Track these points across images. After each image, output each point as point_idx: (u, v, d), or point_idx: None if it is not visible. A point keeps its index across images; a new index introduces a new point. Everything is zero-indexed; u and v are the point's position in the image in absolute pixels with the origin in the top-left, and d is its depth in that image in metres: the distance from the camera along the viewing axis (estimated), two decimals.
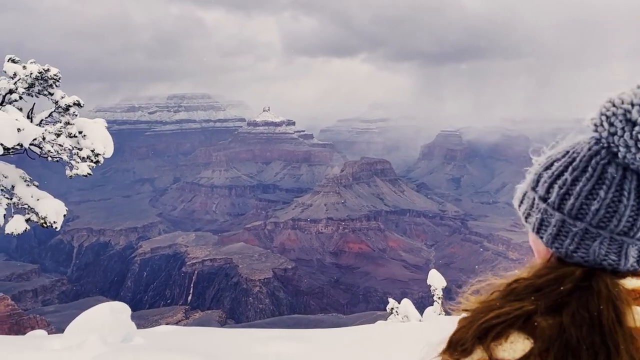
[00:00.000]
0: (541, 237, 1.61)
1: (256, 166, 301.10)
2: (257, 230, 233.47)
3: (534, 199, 1.63)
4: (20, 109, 7.11)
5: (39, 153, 7.15)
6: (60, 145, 7.10)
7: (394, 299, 18.91)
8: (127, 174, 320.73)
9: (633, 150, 1.46)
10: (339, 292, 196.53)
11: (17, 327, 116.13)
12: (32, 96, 7.15)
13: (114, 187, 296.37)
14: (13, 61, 7.08)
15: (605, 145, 1.53)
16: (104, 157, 7.48)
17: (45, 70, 6.99)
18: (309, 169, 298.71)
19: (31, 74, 6.92)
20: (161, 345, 8.78)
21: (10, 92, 6.93)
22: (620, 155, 1.49)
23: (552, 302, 1.51)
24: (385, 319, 18.52)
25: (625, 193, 1.48)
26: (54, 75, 7.08)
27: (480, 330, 1.52)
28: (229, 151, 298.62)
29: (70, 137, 7.18)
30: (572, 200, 1.54)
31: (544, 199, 1.60)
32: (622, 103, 1.48)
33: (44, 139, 6.99)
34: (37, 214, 7.02)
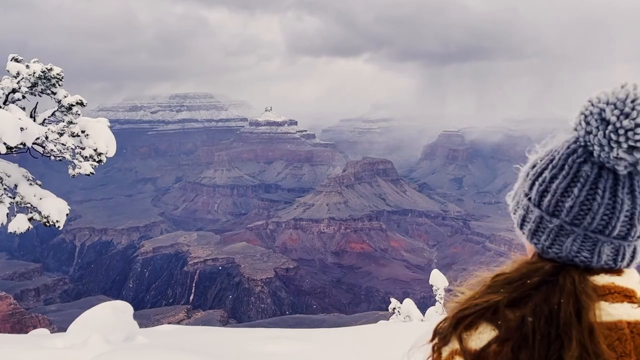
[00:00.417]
0: (523, 233, 1.65)
1: (258, 166, 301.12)
2: (259, 230, 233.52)
3: (520, 195, 1.68)
4: (24, 108, 7.12)
5: (41, 152, 7.16)
6: (63, 144, 7.11)
7: (396, 299, 18.91)
8: (130, 173, 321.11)
9: (606, 149, 1.46)
10: (341, 292, 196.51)
11: (19, 326, 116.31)
12: (35, 95, 7.16)
13: (116, 187, 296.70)
14: (16, 60, 7.09)
15: (582, 144, 1.54)
16: (106, 157, 7.48)
17: (48, 70, 7.00)
18: (311, 168, 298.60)
19: (34, 73, 6.93)
20: (163, 344, 8.79)
21: (14, 91, 6.94)
22: (595, 154, 1.50)
23: (519, 294, 1.53)
24: (388, 319, 18.52)
25: (600, 191, 1.49)
26: (57, 74, 7.09)
27: (455, 320, 1.57)
28: (231, 151, 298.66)
29: (73, 136, 7.19)
30: (549, 197, 1.57)
31: (527, 196, 1.63)
32: (599, 102, 1.49)
33: (46, 138, 7.00)
34: (39, 213, 7.03)
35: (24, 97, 7.14)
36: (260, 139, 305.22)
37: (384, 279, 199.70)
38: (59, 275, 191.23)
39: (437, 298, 16.75)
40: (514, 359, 1.45)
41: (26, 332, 11.84)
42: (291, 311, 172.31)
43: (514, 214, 1.69)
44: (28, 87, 7.02)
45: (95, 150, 7.30)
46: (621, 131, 1.44)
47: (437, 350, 1.58)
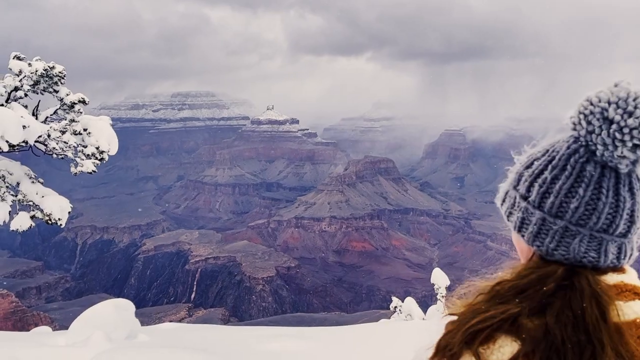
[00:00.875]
0: (523, 236, 1.62)
1: (260, 164, 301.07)
2: (261, 228, 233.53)
3: (515, 197, 1.64)
4: (26, 106, 7.13)
5: (43, 150, 7.16)
6: (65, 142, 7.12)
7: (397, 297, 18.90)
8: (131, 171, 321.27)
9: (610, 148, 1.45)
10: (342, 290, 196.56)
11: (20, 323, 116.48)
12: (37, 93, 7.17)
13: (118, 185, 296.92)
14: (19, 58, 7.10)
15: (584, 143, 1.53)
16: (108, 155, 7.49)
17: (50, 68, 7.01)
18: (312, 167, 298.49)
19: (36, 71, 6.94)
20: (165, 342, 8.80)
21: (16, 89, 6.95)
22: (598, 153, 1.49)
23: (537, 303, 1.50)
24: (389, 318, 18.52)
25: (604, 190, 1.48)
26: (59, 72, 7.09)
27: (468, 334, 1.51)
28: (232, 149, 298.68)
29: (75, 134, 7.20)
30: (551, 198, 1.54)
31: (525, 198, 1.60)
32: (600, 101, 1.47)
33: (49, 136, 7.01)
34: (42, 210, 7.05)
35: (26, 95, 7.15)
36: (262, 137, 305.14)
37: (385, 277, 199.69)
38: (60, 273, 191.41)
39: (438, 297, 16.75)
40: None
41: (28, 330, 11.87)
42: (292, 310, 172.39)
43: (509, 217, 1.67)
44: (30, 85, 7.03)
45: (97, 148, 7.31)
46: (626, 130, 1.43)
47: None
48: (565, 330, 1.42)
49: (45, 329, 11.33)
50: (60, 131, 7.07)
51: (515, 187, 1.64)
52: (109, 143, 7.37)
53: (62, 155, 7.16)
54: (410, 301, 17.62)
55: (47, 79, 6.97)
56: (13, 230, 7.02)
